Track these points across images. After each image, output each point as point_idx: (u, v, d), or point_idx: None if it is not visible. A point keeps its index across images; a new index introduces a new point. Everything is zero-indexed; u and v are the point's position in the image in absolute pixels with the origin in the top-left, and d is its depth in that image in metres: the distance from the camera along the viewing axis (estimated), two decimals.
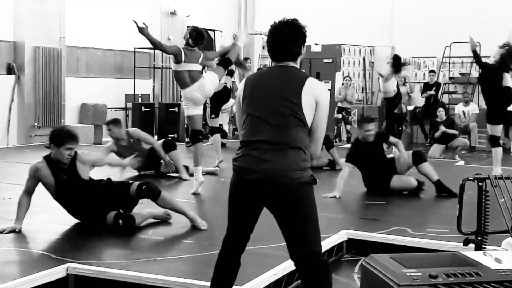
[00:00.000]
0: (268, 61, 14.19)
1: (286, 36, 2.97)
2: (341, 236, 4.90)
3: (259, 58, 15.66)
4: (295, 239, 2.92)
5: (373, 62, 14.54)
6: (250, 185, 2.93)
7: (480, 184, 2.49)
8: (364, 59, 14.40)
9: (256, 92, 3.00)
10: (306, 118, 2.91)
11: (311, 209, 2.94)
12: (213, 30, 14.53)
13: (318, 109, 2.93)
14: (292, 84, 2.93)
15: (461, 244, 2.88)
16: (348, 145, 9.30)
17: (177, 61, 6.50)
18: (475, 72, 12.85)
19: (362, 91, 14.66)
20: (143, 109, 12.69)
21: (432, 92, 13.29)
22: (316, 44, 13.68)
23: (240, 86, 3.10)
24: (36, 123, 11.29)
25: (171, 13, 13.56)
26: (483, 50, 12.63)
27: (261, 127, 2.93)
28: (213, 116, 8.81)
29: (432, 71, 13.67)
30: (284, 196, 2.88)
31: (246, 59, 10.67)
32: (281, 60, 3.02)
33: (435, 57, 14.05)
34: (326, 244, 4.54)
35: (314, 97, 2.90)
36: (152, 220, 5.28)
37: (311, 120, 2.93)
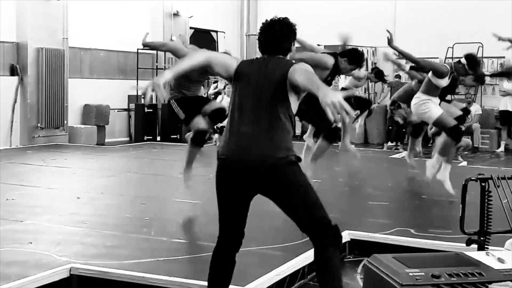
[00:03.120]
0: None
1: (278, 32, 3.08)
2: (344, 236, 4.88)
3: None
4: (299, 213, 2.96)
5: (375, 63, 14.52)
6: (239, 171, 2.97)
7: (482, 184, 2.49)
8: (366, 59, 14.39)
9: (246, 75, 3.07)
10: (292, 102, 2.99)
11: (303, 181, 2.98)
12: (216, 31, 14.54)
13: (306, 73, 2.92)
14: (279, 68, 3.01)
15: (464, 244, 2.88)
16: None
17: None
18: None
19: (365, 92, 14.65)
20: (146, 110, 12.70)
21: None
22: (318, 45, 13.65)
23: (235, 61, 3.12)
24: (39, 124, 11.30)
25: (174, 14, 13.58)
26: (485, 51, 12.65)
27: (246, 110, 3.01)
28: None
29: None
30: (275, 177, 2.93)
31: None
32: (271, 54, 3.12)
33: (437, 57, 14.03)
34: None
35: (295, 67, 2.97)
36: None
37: (296, 102, 3.01)
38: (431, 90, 6.52)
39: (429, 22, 13.55)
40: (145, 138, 12.52)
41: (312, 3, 14.57)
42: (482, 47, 12.72)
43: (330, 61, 6.27)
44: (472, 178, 2.52)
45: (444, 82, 6.48)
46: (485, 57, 12.62)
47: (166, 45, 6.89)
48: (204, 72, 5.85)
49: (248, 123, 2.97)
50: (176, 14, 13.62)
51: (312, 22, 12.75)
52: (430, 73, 6.54)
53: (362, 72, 9.20)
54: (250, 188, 3.00)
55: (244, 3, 15.97)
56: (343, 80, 11.22)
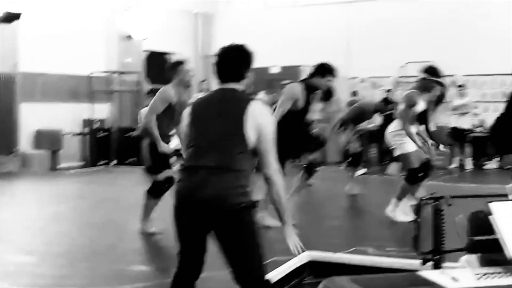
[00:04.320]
0: None
1: (234, 58, 3.05)
2: (303, 258, 4.86)
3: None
4: (239, 264, 2.93)
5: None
6: (193, 209, 2.91)
7: (435, 203, 2.51)
8: None
9: (200, 115, 3.03)
10: (249, 141, 2.92)
11: (253, 233, 2.94)
12: (170, 53, 14.48)
13: (262, 135, 2.94)
14: (235, 108, 2.96)
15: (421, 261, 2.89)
16: None
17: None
18: None
19: (322, 111, 14.79)
20: (100, 133, 12.48)
21: (390, 111, 13.50)
22: (274, 66, 13.78)
23: (186, 110, 3.13)
24: None
25: (127, 36, 13.47)
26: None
27: (203, 150, 2.95)
28: None
29: (389, 90, 13.91)
30: (225, 221, 2.88)
31: (203, 81, 10.63)
32: (227, 81, 3.07)
33: (390, 76, 14.31)
34: (288, 267, 4.51)
35: (257, 124, 2.92)
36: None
37: (255, 142, 2.94)
38: (410, 119, 6.47)
39: (382, 42, 13.81)
40: (100, 162, 12.28)
41: (267, 24, 14.69)
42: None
43: (295, 89, 6.05)
44: (425, 198, 2.54)
45: (420, 107, 6.50)
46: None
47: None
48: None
49: (204, 163, 2.92)
50: (129, 37, 13.51)
51: (267, 43, 12.84)
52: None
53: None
54: (203, 226, 2.95)
55: (198, 24, 15.97)
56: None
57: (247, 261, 2.92)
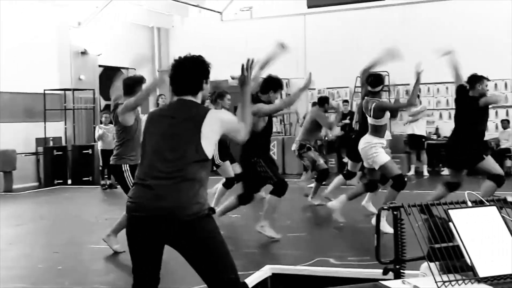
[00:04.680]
0: None
1: (189, 70, 3.00)
2: (265, 271, 4.83)
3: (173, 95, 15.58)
4: (210, 271, 2.88)
5: (289, 94, 14.79)
6: (148, 223, 2.85)
7: (395, 212, 2.50)
8: (280, 92, 14.60)
9: (156, 127, 2.99)
10: (206, 151, 2.90)
11: (216, 239, 2.90)
12: (126, 68, 14.33)
13: (224, 124, 2.99)
14: (192, 119, 2.93)
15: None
16: None
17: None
18: None
19: (281, 123, 14.84)
20: (55, 152, 12.19)
21: (347, 121, 13.64)
22: (233, 78, 13.76)
23: (144, 121, 3.11)
24: None
25: (82, 52, 13.25)
26: (391, 79, 13.19)
27: (158, 162, 2.90)
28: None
29: (346, 101, 14.07)
30: (185, 232, 2.83)
31: (160, 95, 10.50)
32: (182, 93, 3.02)
33: (348, 87, 14.48)
34: (251, 281, 4.45)
35: (215, 123, 2.93)
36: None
37: (211, 152, 2.95)
38: (380, 131, 6.54)
39: (338, 54, 13.98)
40: (56, 182, 11.97)
41: (223, 38, 14.70)
42: (388, 75, 13.26)
43: (261, 109, 5.96)
44: (385, 208, 2.54)
45: (387, 117, 6.57)
46: (391, 85, 13.13)
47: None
48: None
49: (158, 177, 2.87)
50: (84, 53, 13.29)
51: (224, 56, 12.83)
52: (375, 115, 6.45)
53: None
54: (160, 242, 2.91)
55: (155, 39, 15.87)
56: None
57: (218, 268, 2.87)
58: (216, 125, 2.93)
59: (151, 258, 2.94)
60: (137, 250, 2.93)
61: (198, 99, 3.05)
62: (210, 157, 2.94)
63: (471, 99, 6.39)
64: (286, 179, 6.28)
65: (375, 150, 6.44)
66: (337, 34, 14.12)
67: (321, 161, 8.60)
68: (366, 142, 6.52)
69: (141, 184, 2.92)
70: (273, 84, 6.21)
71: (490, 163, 6.39)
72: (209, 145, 2.91)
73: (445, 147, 7.15)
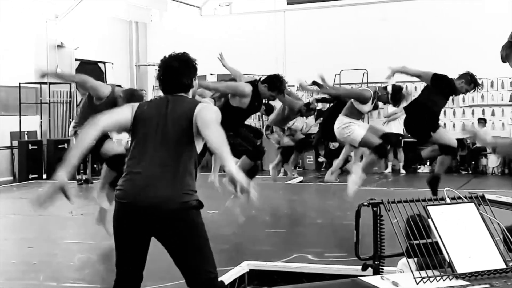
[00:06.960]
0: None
1: (177, 69, 2.99)
2: (243, 268, 4.81)
3: (153, 89, 15.45)
4: (191, 266, 2.88)
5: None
6: (137, 213, 2.84)
7: (374, 209, 2.51)
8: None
9: (147, 117, 2.96)
10: (195, 142, 2.92)
11: (202, 234, 2.90)
12: (104, 62, 14.17)
13: (201, 119, 2.88)
14: (183, 110, 2.93)
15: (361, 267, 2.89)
16: None
17: None
18: None
19: (259, 120, 14.82)
20: (30, 146, 11.99)
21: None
22: (211, 74, 13.69)
23: (130, 109, 2.99)
24: None
25: (58, 45, 13.05)
26: (370, 77, 13.26)
27: (148, 152, 2.90)
28: None
29: (324, 98, 14.08)
30: (173, 222, 2.83)
31: (140, 90, 10.42)
32: (173, 92, 3.02)
33: None
34: (228, 277, 4.44)
35: (203, 116, 2.88)
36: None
37: (201, 143, 2.95)
38: (354, 114, 6.77)
39: (317, 50, 14.00)
40: (30, 176, 11.77)
41: (202, 33, 14.62)
42: (367, 73, 13.33)
43: (246, 88, 6.26)
44: (364, 204, 2.55)
45: (367, 107, 6.76)
46: (370, 83, 13.20)
47: (76, 77, 6.37)
48: (112, 105, 5.47)
49: (149, 166, 2.86)
50: (60, 46, 13.09)
51: (202, 52, 12.77)
52: (353, 99, 6.76)
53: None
54: (148, 231, 2.89)
55: (133, 33, 15.71)
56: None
57: (199, 263, 2.87)
58: (205, 118, 2.90)
59: (136, 250, 2.92)
60: (123, 239, 2.91)
61: (189, 96, 3.07)
62: (200, 148, 2.95)
63: (450, 84, 6.51)
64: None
65: (347, 130, 6.61)
66: (317, 31, 14.14)
67: (285, 140, 9.23)
68: (339, 123, 6.76)
69: (131, 172, 2.90)
70: (281, 87, 6.48)
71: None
72: (199, 136, 2.91)
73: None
